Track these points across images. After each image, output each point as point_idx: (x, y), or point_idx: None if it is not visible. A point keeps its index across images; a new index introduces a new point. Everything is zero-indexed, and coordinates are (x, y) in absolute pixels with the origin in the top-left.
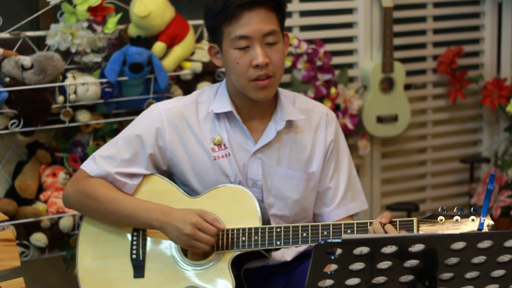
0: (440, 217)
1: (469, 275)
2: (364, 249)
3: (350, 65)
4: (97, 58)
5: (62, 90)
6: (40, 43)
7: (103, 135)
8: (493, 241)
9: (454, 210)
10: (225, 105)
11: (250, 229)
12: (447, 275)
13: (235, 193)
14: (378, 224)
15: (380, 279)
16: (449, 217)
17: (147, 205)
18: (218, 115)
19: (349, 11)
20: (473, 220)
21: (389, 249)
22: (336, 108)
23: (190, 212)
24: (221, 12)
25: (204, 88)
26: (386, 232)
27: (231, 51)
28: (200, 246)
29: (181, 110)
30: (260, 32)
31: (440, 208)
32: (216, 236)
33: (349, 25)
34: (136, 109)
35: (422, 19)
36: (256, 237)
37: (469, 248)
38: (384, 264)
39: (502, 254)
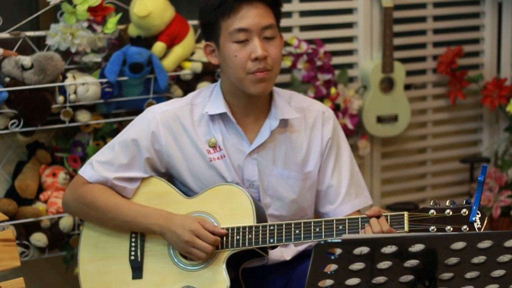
0: (432, 211)
1: (469, 275)
2: (364, 249)
3: (350, 65)
4: (97, 58)
5: (62, 90)
6: (40, 43)
7: (103, 135)
8: (493, 241)
9: (447, 203)
10: (219, 107)
11: (244, 227)
12: (447, 275)
13: (231, 192)
14: (374, 220)
15: (380, 279)
16: (440, 211)
17: (146, 210)
18: (212, 117)
19: (349, 11)
20: (464, 213)
21: (389, 249)
22: (336, 108)
23: (190, 219)
24: (219, 6)
25: (201, 89)
26: (380, 224)
27: (229, 45)
28: (197, 253)
29: (176, 113)
30: (258, 25)
31: (432, 202)
32: (214, 244)
33: (349, 25)
34: (136, 109)
35: (422, 19)
36: (250, 236)
37: (469, 248)
38: (384, 264)
39: (502, 254)
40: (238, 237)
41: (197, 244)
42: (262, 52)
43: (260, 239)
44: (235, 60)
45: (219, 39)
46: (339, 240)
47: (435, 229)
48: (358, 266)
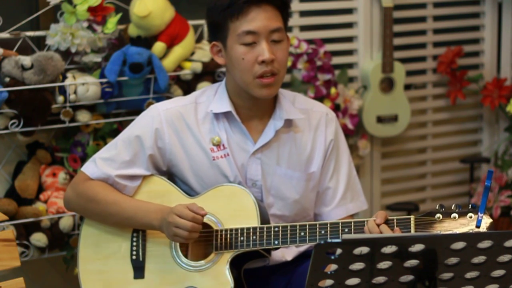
0: (438, 215)
1: (469, 275)
2: (364, 249)
3: (350, 65)
4: (97, 58)
5: (62, 90)
6: (40, 43)
7: (103, 135)
8: (493, 241)
9: (452, 208)
10: (224, 105)
11: (248, 228)
12: (447, 275)
13: (234, 192)
14: (373, 223)
15: (380, 279)
16: (446, 214)
17: (147, 206)
18: (217, 115)
19: (349, 11)
20: (470, 217)
21: (389, 249)
22: (336, 108)
23: (179, 205)
24: (228, 7)
25: (205, 88)
26: (381, 232)
27: (236, 47)
28: (179, 233)
29: (180, 111)
30: (267, 28)
31: (438, 206)
32: (193, 220)
33: (349, 25)
34: (136, 109)
35: (422, 19)
36: (254, 237)
37: (469, 248)
38: (384, 264)
39: (502, 254)
40: (242, 238)
41: (177, 222)
42: (269, 56)
43: (265, 240)
44: (242, 63)
45: (226, 40)
46: (339, 240)
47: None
48: (358, 266)
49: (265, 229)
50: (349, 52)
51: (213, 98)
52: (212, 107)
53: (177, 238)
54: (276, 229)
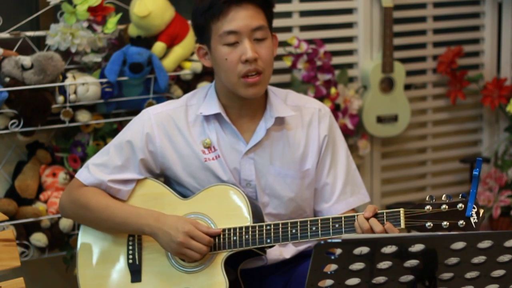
0: (428, 207)
1: (469, 275)
2: (364, 249)
3: (350, 65)
4: (97, 58)
5: (62, 90)
6: (40, 43)
7: (103, 135)
8: (493, 241)
9: (443, 198)
10: (214, 107)
11: (240, 228)
12: (447, 275)
13: (226, 192)
14: (362, 217)
15: (380, 279)
16: (436, 206)
17: (138, 211)
18: (207, 117)
19: (349, 11)
20: (461, 207)
21: (389, 249)
22: (336, 108)
23: (183, 220)
24: (209, 9)
25: (197, 90)
26: (370, 226)
27: (219, 47)
28: (191, 254)
29: (170, 114)
30: (248, 27)
31: (428, 197)
32: (209, 245)
33: (349, 25)
34: (136, 109)
35: (422, 19)
36: (247, 236)
37: (469, 248)
38: (384, 264)
39: (502, 254)
40: (235, 237)
41: (192, 245)
42: (252, 54)
43: (257, 239)
44: (226, 63)
45: (210, 42)
46: (339, 240)
47: (432, 225)
48: (358, 266)
49: (257, 227)
50: (349, 52)
51: (203, 100)
52: (202, 109)
53: (184, 257)
54: (268, 227)
